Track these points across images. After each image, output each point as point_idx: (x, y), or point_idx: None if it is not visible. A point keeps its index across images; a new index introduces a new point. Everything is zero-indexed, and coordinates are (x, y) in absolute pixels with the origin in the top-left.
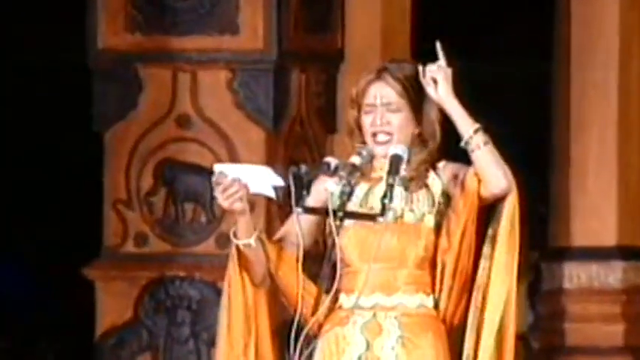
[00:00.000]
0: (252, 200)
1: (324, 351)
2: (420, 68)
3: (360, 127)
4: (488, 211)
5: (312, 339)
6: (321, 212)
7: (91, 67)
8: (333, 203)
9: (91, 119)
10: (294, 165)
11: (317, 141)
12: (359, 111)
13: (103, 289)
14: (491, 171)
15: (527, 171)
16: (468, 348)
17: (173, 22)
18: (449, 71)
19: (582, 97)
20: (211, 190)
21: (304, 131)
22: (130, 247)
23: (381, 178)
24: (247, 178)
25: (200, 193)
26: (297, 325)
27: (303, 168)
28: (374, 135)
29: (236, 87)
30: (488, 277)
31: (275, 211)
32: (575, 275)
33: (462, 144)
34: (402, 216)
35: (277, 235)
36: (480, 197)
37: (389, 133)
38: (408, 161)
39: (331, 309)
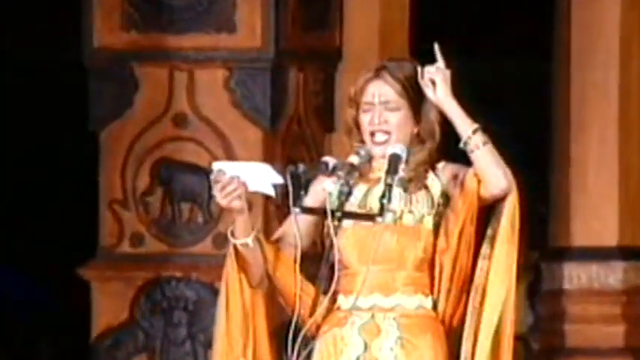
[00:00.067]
0: (250, 200)
1: (322, 352)
2: (419, 69)
3: (358, 126)
4: (488, 212)
5: (309, 340)
6: (319, 212)
7: (86, 66)
8: (332, 203)
9: (86, 118)
10: (291, 164)
11: (315, 140)
12: (357, 110)
13: (98, 289)
14: (490, 171)
15: (528, 171)
16: (465, 351)
17: (169, 20)
18: (447, 73)
19: (582, 97)
20: (208, 189)
21: (302, 130)
22: (125, 247)
23: (379, 179)
24: (246, 175)
25: (197, 193)
26: (295, 327)
27: (301, 167)
28: (372, 135)
29: (233, 86)
30: (487, 278)
31: (273, 211)
32: (576, 276)
33: (461, 144)
34: (401, 217)
35: (275, 236)
36: (479, 198)
37: (387, 132)
38: (407, 161)
39: (329, 310)
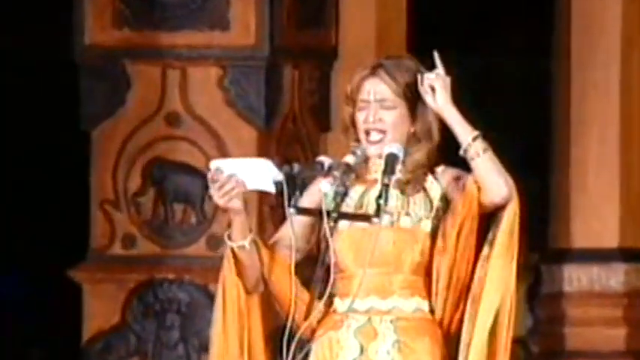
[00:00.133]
0: (244, 200)
1: (317, 355)
2: (419, 69)
3: (355, 125)
4: (488, 219)
5: (305, 343)
6: (315, 213)
7: (77, 64)
8: (327, 204)
9: (78, 117)
10: (286, 164)
11: (310, 139)
12: (354, 107)
13: (89, 292)
14: (491, 179)
15: (527, 172)
16: (463, 357)
17: (162, 17)
18: (447, 79)
19: (583, 96)
20: (203, 189)
21: (297, 129)
22: (117, 248)
23: (376, 181)
24: (245, 173)
25: (190, 193)
26: (290, 330)
27: (296, 167)
28: (367, 133)
29: (227, 84)
30: (482, 287)
31: (267, 212)
32: (576, 278)
33: (461, 152)
34: (398, 220)
35: (272, 240)
36: (480, 204)
37: (382, 131)
38: (403, 162)
39: (325, 313)
